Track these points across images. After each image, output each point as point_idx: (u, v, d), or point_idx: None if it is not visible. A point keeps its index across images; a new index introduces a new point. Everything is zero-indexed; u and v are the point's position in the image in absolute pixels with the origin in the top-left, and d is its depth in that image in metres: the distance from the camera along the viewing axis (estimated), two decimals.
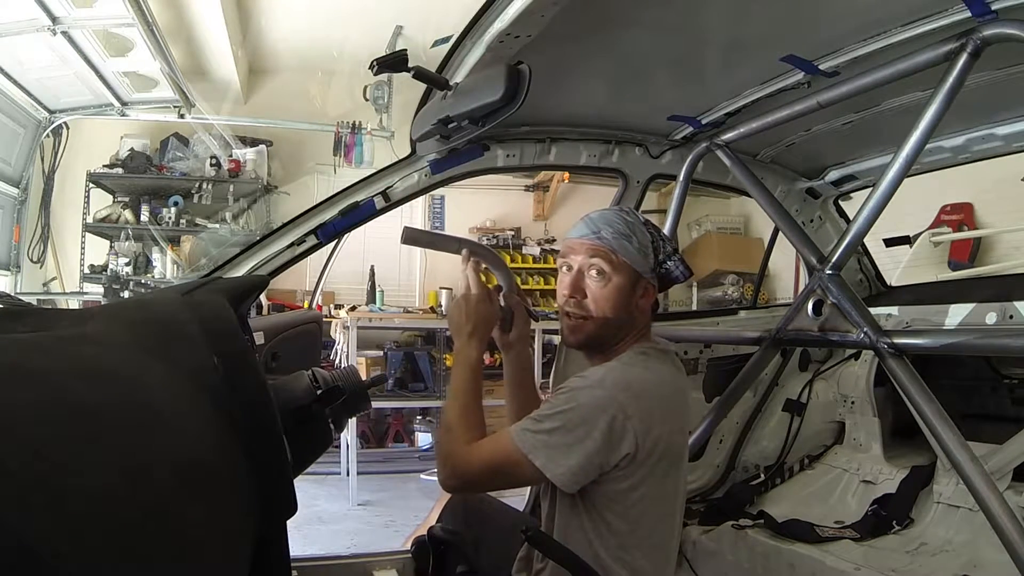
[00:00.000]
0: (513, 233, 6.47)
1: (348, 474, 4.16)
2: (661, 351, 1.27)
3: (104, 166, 5.15)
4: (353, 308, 5.07)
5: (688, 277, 1.32)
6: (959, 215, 4.48)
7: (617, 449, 1.11)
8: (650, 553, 1.19)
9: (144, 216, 5.17)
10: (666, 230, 2.15)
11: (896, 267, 3.77)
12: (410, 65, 1.46)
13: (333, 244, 3.67)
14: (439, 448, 1.25)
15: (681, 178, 2.09)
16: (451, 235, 1.72)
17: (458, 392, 1.27)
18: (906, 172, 1.47)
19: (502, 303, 1.48)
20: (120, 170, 5.13)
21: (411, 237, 1.55)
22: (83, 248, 5.17)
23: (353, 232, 1.91)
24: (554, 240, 6.48)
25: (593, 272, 1.24)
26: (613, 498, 1.16)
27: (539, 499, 1.32)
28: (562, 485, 1.13)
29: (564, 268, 1.29)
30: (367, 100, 4.97)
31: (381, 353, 5.20)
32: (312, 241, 1.74)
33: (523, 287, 5.94)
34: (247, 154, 5.45)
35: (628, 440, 1.11)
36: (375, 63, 1.44)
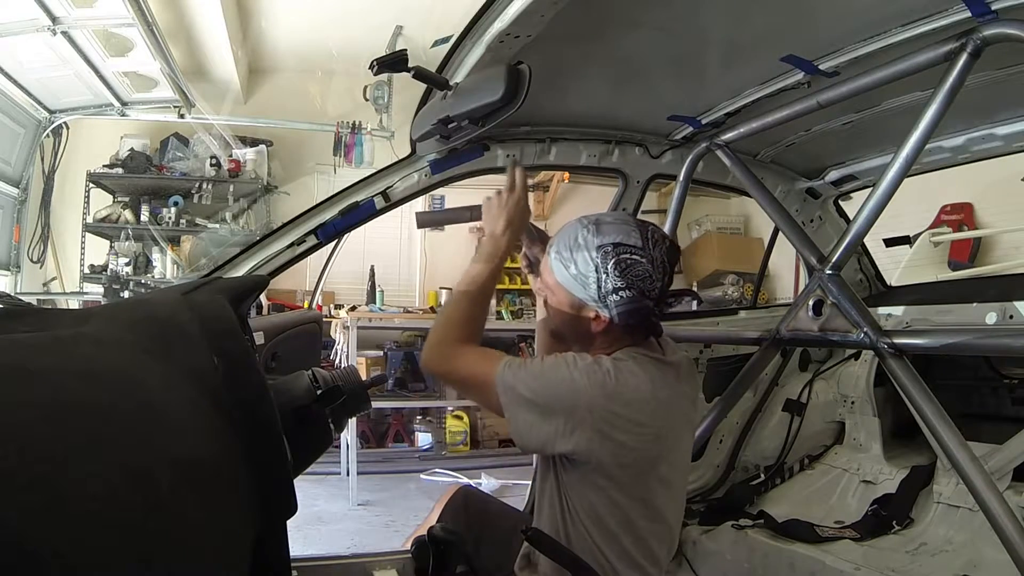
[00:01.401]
0: None
1: (348, 474, 4.16)
2: (654, 359, 1.22)
3: (104, 166, 5.15)
4: (353, 308, 5.07)
5: (627, 322, 1.19)
6: (959, 215, 4.48)
7: (566, 439, 1.12)
8: (623, 555, 1.18)
9: (144, 216, 5.17)
10: (666, 230, 2.15)
11: (896, 267, 3.77)
12: (410, 65, 1.46)
13: (333, 244, 3.68)
14: (435, 328, 1.28)
15: (681, 178, 2.09)
16: (460, 207, 1.70)
17: (471, 287, 1.29)
18: (906, 172, 1.47)
19: (527, 254, 1.55)
20: (120, 170, 5.13)
21: (425, 221, 1.56)
22: (83, 248, 5.17)
23: (353, 232, 1.91)
24: None
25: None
26: (589, 501, 1.17)
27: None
28: (513, 435, 1.17)
29: None
30: (367, 100, 4.96)
31: (381, 353, 5.20)
32: (312, 241, 1.74)
33: (522, 286, 5.95)
34: (247, 154, 5.44)
35: (580, 436, 1.12)
36: (375, 63, 1.44)
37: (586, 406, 1.12)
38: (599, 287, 1.17)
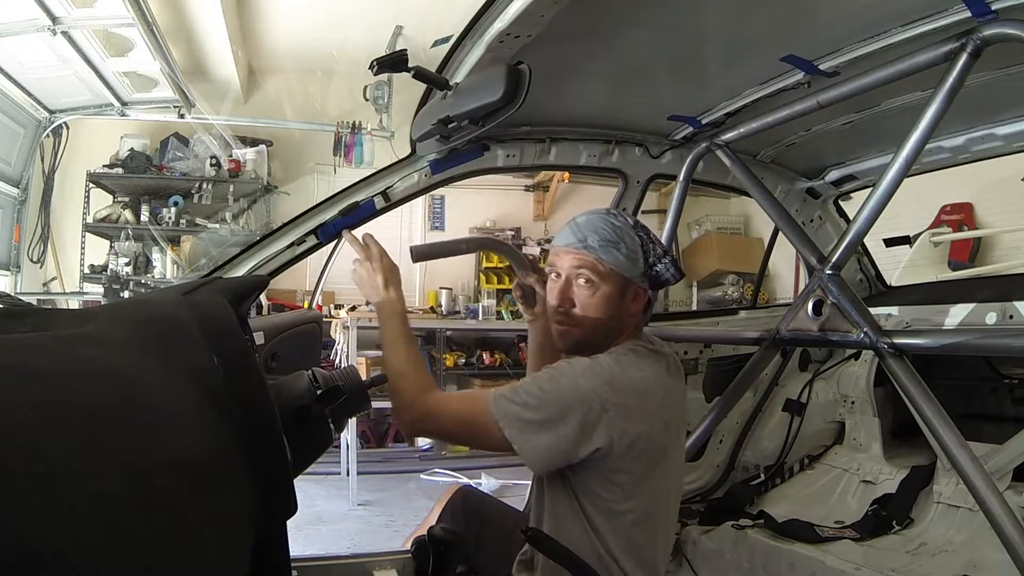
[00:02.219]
0: (513, 233, 6.48)
1: (348, 474, 4.16)
2: (652, 351, 1.26)
3: (104, 166, 5.15)
4: (353, 308, 5.07)
5: (679, 279, 1.29)
6: (959, 215, 4.48)
7: (588, 442, 1.12)
8: (632, 551, 1.19)
9: (144, 216, 5.17)
10: (666, 230, 2.16)
11: (896, 267, 3.77)
12: (410, 65, 1.46)
13: (333, 244, 3.67)
14: (396, 391, 1.25)
15: (681, 178, 2.09)
16: (454, 239, 1.75)
17: (397, 339, 1.30)
18: (906, 172, 1.47)
19: (522, 284, 1.51)
20: (120, 170, 5.13)
21: (420, 254, 1.57)
22: (83, 248, 5.17)
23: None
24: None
25: (581, 281, 1.24)
26: (603, 500, 1.17)
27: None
28: (529, 463, 1.15)
29: (552, 275, 1.29)
30: (367, 100, 4.96)
31: (381, 353, 5.19)
32: (312, 241, 1.74)
33: None
34: (247, 154, 5.45)
35: (600, 434, 1.12)
36: (375, 63, 1.44)
37: (598, 404, 1.12)
38: (646, 258, 1.24)
